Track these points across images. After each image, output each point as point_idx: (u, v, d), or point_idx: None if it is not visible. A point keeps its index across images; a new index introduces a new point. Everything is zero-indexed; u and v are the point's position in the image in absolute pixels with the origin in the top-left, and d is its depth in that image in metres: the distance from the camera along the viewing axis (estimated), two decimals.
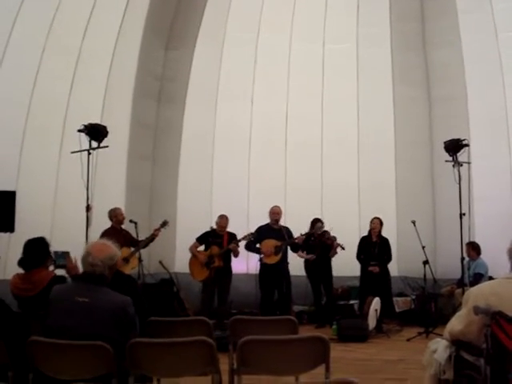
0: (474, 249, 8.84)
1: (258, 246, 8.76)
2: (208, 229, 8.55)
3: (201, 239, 8.55)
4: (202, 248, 8.57)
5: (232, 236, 8.49)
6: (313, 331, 8.34)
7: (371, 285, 8.85)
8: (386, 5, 10.24)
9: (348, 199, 10.30)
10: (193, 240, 8.57)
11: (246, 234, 8.45)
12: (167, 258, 9.15)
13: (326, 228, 9.10)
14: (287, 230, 8.79)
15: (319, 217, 9.39)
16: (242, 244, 8.57)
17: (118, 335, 3.50)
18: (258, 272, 8.81)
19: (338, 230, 9.16)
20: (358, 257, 9.14)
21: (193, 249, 8.52)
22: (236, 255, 8.48)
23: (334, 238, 8.96)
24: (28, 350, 3.49)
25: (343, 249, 8.98)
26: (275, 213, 8.82)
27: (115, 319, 3.48)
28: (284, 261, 8.67)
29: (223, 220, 8.59)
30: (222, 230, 8.52)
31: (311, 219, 9.24)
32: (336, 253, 9.05)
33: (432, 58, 10.33)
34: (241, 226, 8.72)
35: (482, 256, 8.87)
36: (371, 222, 9.12)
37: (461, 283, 8.25)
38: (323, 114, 10.48)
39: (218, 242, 8.41)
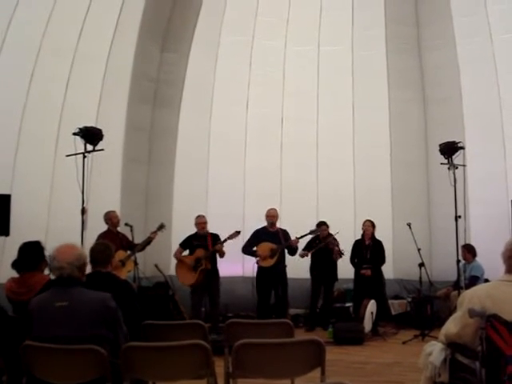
0: (469, 251, 8.84)
1: (254, 249, 8.74)
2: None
3: (184, 244, 8.47)
4: (185, 253, 8.47)
5: (215, 237, 8.42)
6: (304, 335, 8.30)
7: (365, 288, 8.86)
8: (381, 7, 10.25)
9: (344, 202, 10.30)
10: None
11: (231, 233, 8.29)
12: (163, 261, 9.11)
13: (331, 232, 9.13)
14: (284, 232, 8.75)
15: (316, 219, 9.40)
16: (229, 244, 8.47)
17: (105, 331, 3.51)
18: (254, 275, 8.79)
19: (334, 232, 9.17)
20: (352, 260, 9.15)
21: (177, 254, 8.44)
22: (222, 255, 8.41)
23: (336, 243, 8.96)
24: (22, 355, 3.47)
25: (342, 254, 9.00)
26: (270, 216, 8.79)
27: (98, 316, 3.49)
28: (281, 264, 8.64)
29: (201, 218, 8.49)
30: (204, 228, 8.41)
31: (308, 222, 9.23)
32: (339, 257, 9.05)
33: (427, 61, 10.35)
34: (236, 229, 8.65)
35: (477, 258, 8.87)
36: (363, 224, 9.15)
37: (457, 286, 8.27)
38: (318, 117, 10.50)
39: (202, 244, 8.33)
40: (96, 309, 3.49)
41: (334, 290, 9.43)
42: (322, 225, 9.16)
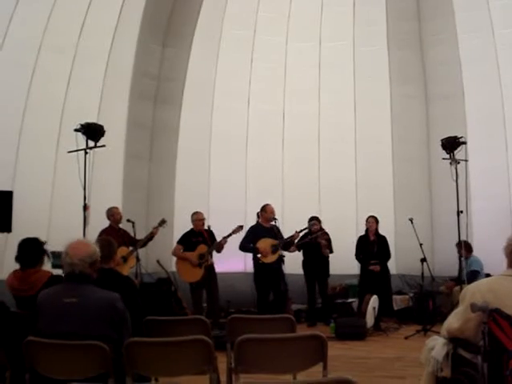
0: (465, 248, 8.86)
1: (251, 245, 8.71)
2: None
3: (182, 241, 8.46)
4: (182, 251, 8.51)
5: (211, 233, 8.46)
6: (305, 330, 8.31)
7: (371, 283, 8.87)
8: (382, 3, 10.24)
9: (345, 198, 10.31)
10: None
11: (234, 228, 8.32)
12: (165, 257, 9.11)
13: (323, 226, 9.12)
14: (277, 228, 8.73)
15: (317, 215, 9.40)
16: (230, 240, 8.42)
17: (111, 332, 3.49)
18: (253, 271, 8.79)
19: (336, 228, 9.19)
20: (357, 256, 9.16)
21: (178, 252, 8.43)
22: (221, 251, 8.41)
23: (325, 238, 8.96)
24: (24, 351, 3.48)
25: (330, 250, 9.03)
26: (273, 212, 8.76)
27: (105, 316, 3.47)
28: (280, 259, 8.63)
29: (200, 215, 8.51)
30: (203, 225, 8.44)
31: (308, 217, 9.24)
32: (329, 252, 9.06)
33: (429, 56, 10.34)
34: (238, 224, 8.66)
35: (475, 253, 8.87)
36: (366, 221, 9.16)
37: (458, 280, 8.27)
38: (320, 113, 10.49)
39: (202, 240, 8.34)
40: (104, 308, 3.47)
41: (328, 284, 9.40)
42: (312, 219, 9.16)
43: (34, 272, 4.64)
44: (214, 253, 8.45)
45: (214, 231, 8.55)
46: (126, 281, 4.42)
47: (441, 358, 3.47)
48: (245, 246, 8.72)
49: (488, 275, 8.01)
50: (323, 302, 9.29)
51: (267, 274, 8.54)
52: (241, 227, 8.37)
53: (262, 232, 8.68)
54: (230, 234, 8.29)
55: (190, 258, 8.29)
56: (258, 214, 8.87)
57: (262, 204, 8.88)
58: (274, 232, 8.57)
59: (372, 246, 9.04)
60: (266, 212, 8.74)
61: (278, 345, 3.69)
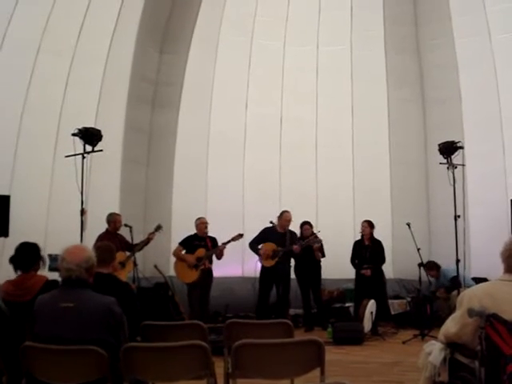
0: (431, 269, 8.97)
1: (259, 247, 8.79)
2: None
3: (184, 243, 8.53)
4: (183, 253, 8.55)
5: (214, 239, 8.53)
6: (303, 335, 8.31)
7: (366, 288, 8.86)
8: (379, 7, 10.26)
9: (343, 202, 10.31)
10: None
11: (234, 235, 8.40)
12: (162, 261, 9.11)
13: (314, 230, 9.12)
14: (292, 235, 8.78)
15: (314, 219, 9.39)
16: (229, 245, 8.47)
17: (108, 336, 3.49)
18: (255, 275, 8.90)
19: (333, 232, 9.17)
20: (352, 261, 9.15)
21: (177, 252, 8.51)
22: (220, 257, 8.48)
23: (317, 241, 8.95)
24: (21, 356, 3.47)
25: (322, 255, 9.02)
26: (288, 220, 8.78)
27: (102, 320, 3.47)
28: (281, 264, 8.61)
29: (203, 219, 8.59)
30: (205, 229, 8.50)
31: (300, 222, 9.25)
32: (321, 256, 9.05)
33: (426, 61, 10.36)
34: (236, 229, 8.67)
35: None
36: (361, 225, 9.13)
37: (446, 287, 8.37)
38: (317, 117, 10.50)
39: (202, 245, 8.42)
40: (100, 313, 3.46)
41: (321, 290, 9.39)
42: (304, 225, 9.16)
43: (30, 277, 4.62)
44: (214, 258, 8.50)
45: (211, 235, 8.57)
46: (125, 287, 4.42)
47: (438, 362, 3.47)
48: (253, 246, 8.86)
49: (485, 280, 8.00)
50: (318, 307, 9.26)
51: (269, 277, 8.65)
52: (241, 235, 8.46)
53: (272, 236, 8.78)
54: (228, 241, 8.38)
55: (187, 259, 8.36)
56: (277, 217, 8.89)
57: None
58: (286, 238, 8.60)
59: (365, 251, 9.04)
60: (281, 219, 8.83)
61: (276, 350, 3.68)
